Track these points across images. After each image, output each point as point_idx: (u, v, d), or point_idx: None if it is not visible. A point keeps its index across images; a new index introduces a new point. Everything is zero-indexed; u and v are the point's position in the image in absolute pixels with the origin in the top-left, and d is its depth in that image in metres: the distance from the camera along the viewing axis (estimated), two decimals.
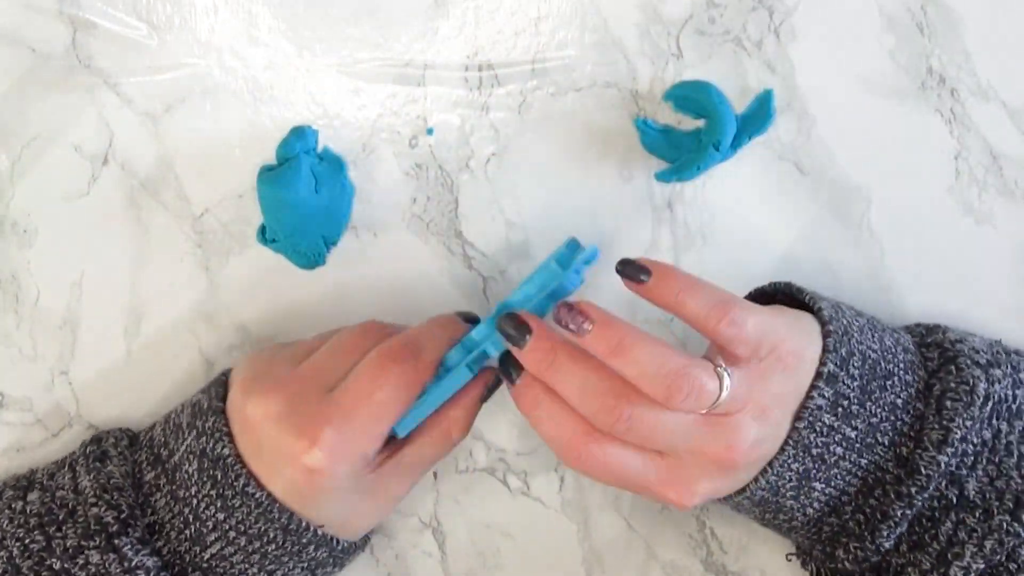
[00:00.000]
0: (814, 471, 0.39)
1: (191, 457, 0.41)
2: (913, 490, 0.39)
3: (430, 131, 0.46)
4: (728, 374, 0.37)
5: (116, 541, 0.40)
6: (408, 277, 0.47)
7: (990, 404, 0.40)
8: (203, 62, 0.45)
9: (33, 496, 0.42)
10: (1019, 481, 0.40)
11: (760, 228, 0.48)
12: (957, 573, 0.39)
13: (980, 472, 0.40)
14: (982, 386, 0.40)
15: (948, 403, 0.40)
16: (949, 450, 0.39)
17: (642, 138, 0.45)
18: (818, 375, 0.39)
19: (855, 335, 0.40)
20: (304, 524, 0.40)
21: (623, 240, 0.47)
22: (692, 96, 0.45)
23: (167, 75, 0.45)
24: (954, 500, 0.40)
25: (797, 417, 0.39)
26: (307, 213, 0.44)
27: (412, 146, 0.47)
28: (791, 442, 0.39)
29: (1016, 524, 0.39)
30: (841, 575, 0.42)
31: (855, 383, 0.40)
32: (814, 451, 0.39)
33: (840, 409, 0.39)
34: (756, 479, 0.39)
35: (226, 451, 0.40)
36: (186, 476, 0.41)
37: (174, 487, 0.41)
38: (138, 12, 0.44)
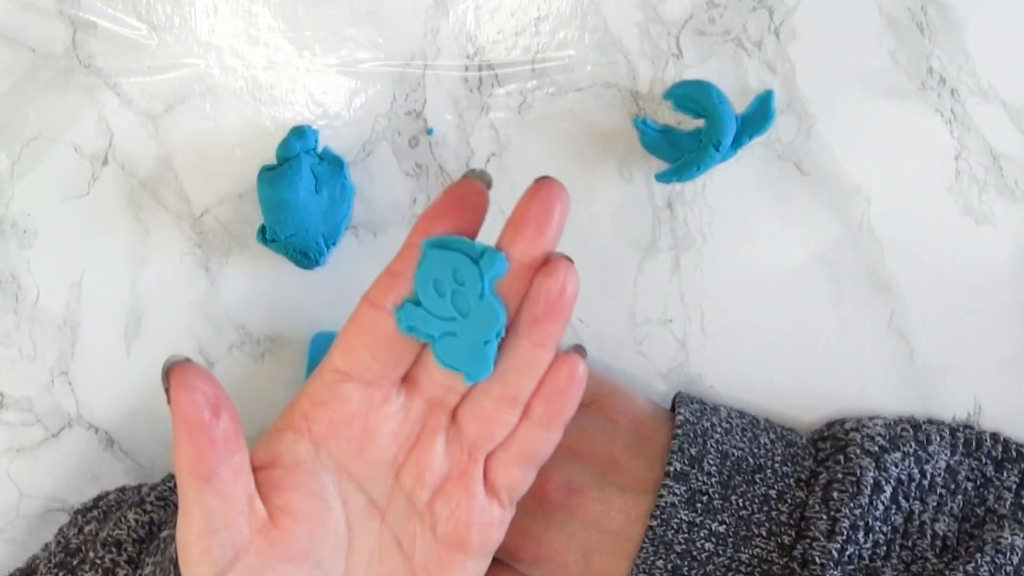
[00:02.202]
0: (686, 569, 0.38)
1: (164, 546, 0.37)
2: None
3: (430, 131, 0.46)
4: None
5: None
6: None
7: (888, 489, 0.39)
8: (203, 62, 0.45)
9: None
10: (934, 562, 0.39)
11: (760, 228, 0.48)
12: None
13: (895, 560, 0.39)
14: (870, 475, 0.39)
15: (835, 493, 0.39)
16: (839, 539, 0.38)
17: (642, 138, 0.45)
18: (665, 475, 0.39)
19: (716, 435, 0.40)
20: None
21: (623, 240, 0.47)
22: (692, 95, 0.45)
23: (167, 75, 0.45)
24: None
25: (650, 516, 0.39)
26: (307, 213, 0.44)
27: (412, 146, 0.47)
28: (647, 540, 0.38)
29: None
30: None
31: (713, 479, 0.39)
32: (677, 548, 0.38)
33: (699, 505, 0.39)
34: None
35: (172, 551, 0.35)
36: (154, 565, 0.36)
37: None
38: (138, 12, 0.44)
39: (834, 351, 0.48)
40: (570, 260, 0.32)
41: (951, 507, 0.40)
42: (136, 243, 0.46)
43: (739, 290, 0.47)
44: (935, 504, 0.40)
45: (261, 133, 0.46)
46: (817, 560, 0.38)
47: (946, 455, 0.41)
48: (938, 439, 0.42)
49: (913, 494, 0.40)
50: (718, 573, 0.38)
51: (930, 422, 0.43)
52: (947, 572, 0.38)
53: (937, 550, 0.39)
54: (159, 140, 0.45)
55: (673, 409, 0.44)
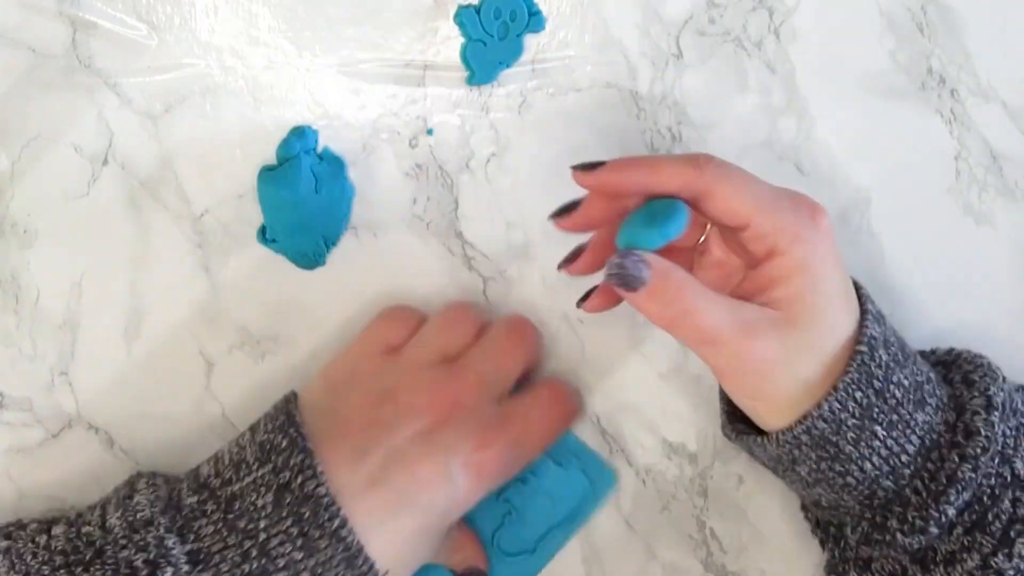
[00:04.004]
0: (876, 410, 0.38)
1: (262, 489, 0.39)
2: (978, 451, 0.38)
3: (430, 131, 0.46)
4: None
5: None
6: (408, 277, 0.47)
7: (1006, 388, 0.41)
8: (203, 62, 0.45)
9: (58, 530, 0.40)
10: None
11: None
12: (1022, 550, 0.38)
13: (1023, 452, 0.40)
14: (995, 369, 0.42)
15: (976, 378, 0.41)
16: (996, 413, 0.39)
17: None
18: (865, 312, 0.40)
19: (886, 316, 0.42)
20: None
21: None
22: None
23: (167, 75, 0.45)
24: (1008, 478, 0.39)
25: (856, 341, 0.39)
26: (307, 213, 0.44)
27: (412, 146, 0.47)
28: (855, 364, 0.38)
29: None
30: (864, 568, 0.42)
31: (894, 337, 0.40)
32: (876, 384, 0.38)
33: (891, 351, 0.39)
34: (819, 403, 0.38)
35: (320, 490, 0.39)
36: (251, 507, 0.39)
37: (230, 516, 0.39)
38: (138, 12, 0.44)
39: None
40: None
41: None
42: (136, 243, 0.46)
43: None
44: None
45: (261, 133, 0.46)
46: (982, 432, 0.39)
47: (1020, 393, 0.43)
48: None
49: (1017, 409, 0.41)
50: (899, 427, 0.39)
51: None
52: None
53: None
54: (159, 140, 0.45)
55: None
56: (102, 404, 0.46)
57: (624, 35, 0.47)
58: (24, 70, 0.44)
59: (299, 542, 0.38)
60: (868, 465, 0.39)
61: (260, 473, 0.40)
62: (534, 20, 0.45)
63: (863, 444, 0.39)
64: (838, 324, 0.39)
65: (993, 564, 0.38)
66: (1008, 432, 0.40)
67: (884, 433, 0.39)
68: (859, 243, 0.48)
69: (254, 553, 0.38)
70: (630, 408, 0.48)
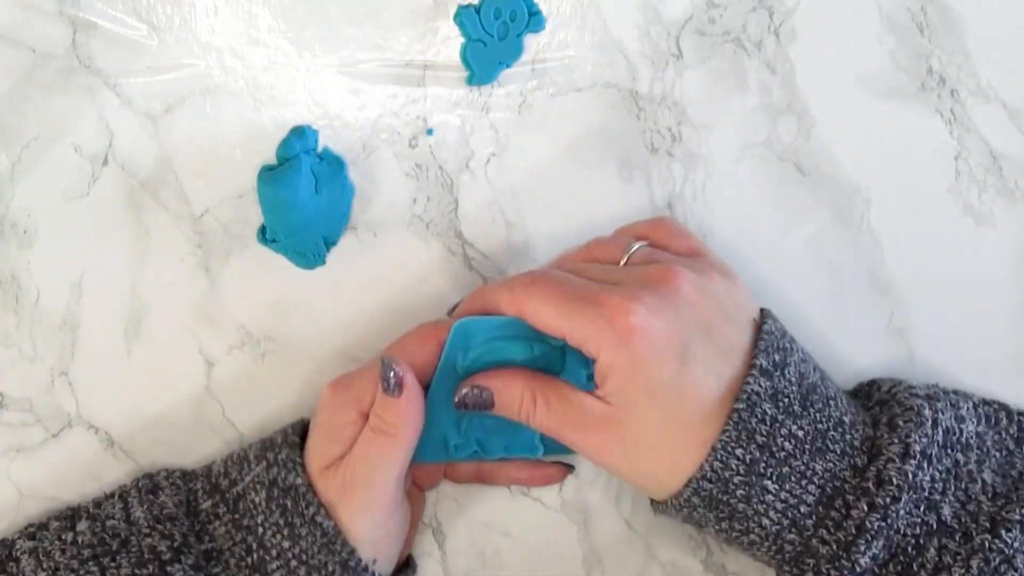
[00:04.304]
0: (763, 464, 0.38)
1: (258, 487, 0.42)
2: (888, 500, 0.38)
3: (430, 131, 0.46)
4: (643, 244, 0.43)
5: (169, 568, 0.41)
6: (408, 277, 0.47)
7: (940, 430, 0.40)
8: (203, 62, 0.45)
9: (83, 526, 0.42)
10: (988, 504, 0.39)
11: (760, 228, 0.48)
12: None
13: (951, 498, 0.39)
14: (927, 411, 0.40)
15: (900, 423, 0.40)
16: (912, 462, 0.38)
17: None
18: (752, 366, 0.39)
19: (795, 357, 0.41)
20: (362, 564, 0.41)
21: None
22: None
23: (167, 75, 0.45)
24: (934, 525, 0.39)
25: (735, 399, 0.39)
26: (307, 213, 0.44)
27: (412, 146, 0.47)
28: (731, 422, 0.38)
29: (998, 541, 0.38)
30: None
31: (793, 388, 0.39)
32: (759, 439, 0.38)
33: (781, 404, 0.39)
34: (701, 465, 0.38)
35: (298, 480, 0.41)
36: (251, 505, 0.42)
37: (237, 515, 0.42)
38: (138, 12, 0.44)
39: (834, 351, 0.48)
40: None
41: (989, 463, 0.41)
42: (136, 243, 0.46)
43: None
44: (976, 458, 0.41)
45: (261, 133, 0.46)
46: (894, 481, 0.38)
47: (973, 422, 0.42)
48: (966, 407, 0.43)
49: (956, 445, 0.40)
50: (791, 479, 0.38)
51: (955, 392, 0.44)
52: (1004, 513, 0.39)
53: (989, 495, 0.40)
54: (159, 140, 0.45)
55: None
56: (102, 404, 0.46)
57: (624, 35, 0.47)
58: (24, 70, 0.44)
59: (286, 531, 0.41)
60: (766, 520, 0.39)
61: (257, 471, 0.42)
62: (534, 20, 0.45)
63: (755, 500, 0.39)
64: (671, 407, 0.39)
65: None
66: (937, 476, 0.39)
67: (776, 487, 0.39)
68: (859, 243, 0.48)
69: (254, 546, 0.41)
70: None
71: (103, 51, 0.45)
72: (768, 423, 0.38)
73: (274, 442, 0.43)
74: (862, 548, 0.38)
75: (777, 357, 0.40)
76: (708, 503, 0.39)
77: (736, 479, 0.38)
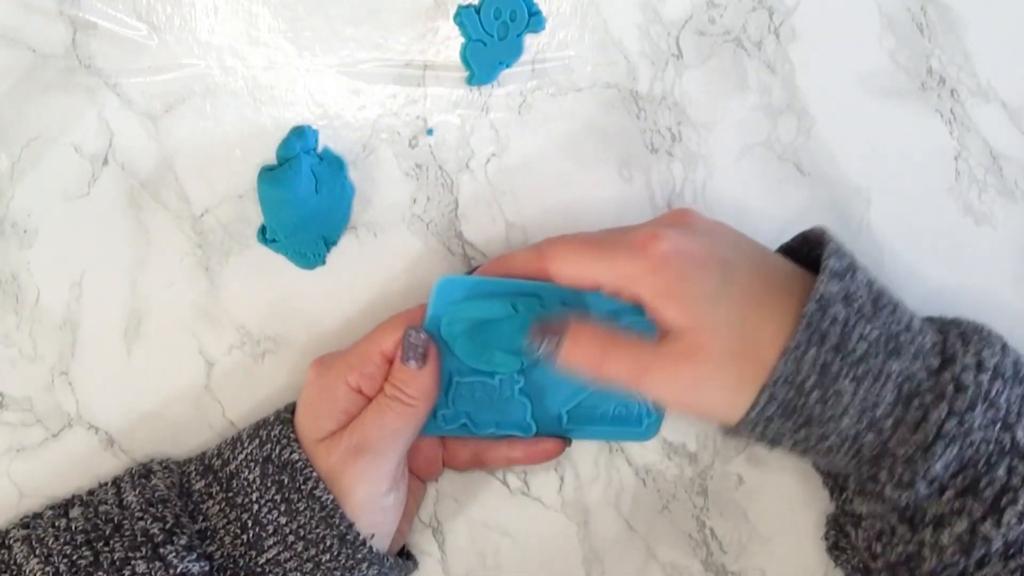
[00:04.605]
0: (836, 366, 0.38)
1: (251, 464, 0.42)
2: (964, 406, 0.37)
3: (430, 131, 0.46)
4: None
5: (161, 550, 0.41)
6: (408, 277, 0.47)
7: (1010, 358, 0.40)
8: (203, 62, 0.45)
9: (76, 512, 0.43)
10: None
11: (760, 228, 0.48)
12: (1011, 520, 0.37)
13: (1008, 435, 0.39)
14: (994, 335, 0.40)
15: (974, 337, 0.40)
16: (986, 374, 0.38)
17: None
18: (823, 268, 0.39)
19: (862, 267, 0.40)
20: (360, 538, 0.41)
21: None
22: None
23: (167, 75, 0.45)
24: (1007, 445, 0.38)
25: (809, 300, 0.38)
26: (307, 213, 0.44)
27: (412, 146, 0.47)
28: (803, 323, 0.37)
29: None
30: (862, 535, 0.41)
31: (863, 291, 0.39)
32: (831, 340, 0.38)
33: (853, 306, 0.38)
34: (773, 369, 0.38)
35: (295, 456, 0.41)
36: (245, 483, 0.42)
37: (230, 494, 0.42)
38: (138, 12, 0.44)
39: None
40: None
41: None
42: (136, 243, 0.46)
43: None
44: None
45: (261, 133, 0.46)
46: (972, 388, 0.38)
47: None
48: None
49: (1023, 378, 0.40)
50: (868, 379, 0.38)
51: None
52: None
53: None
54: (159, 140, 0.45)
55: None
56: (102, 404, 0.46)
57: (624, 35, 0.47)
58: (24, 70, 0.44)
59: (282, 507, 0.41)
60: (844, 422, 0.38)
61: (250, 448, 0.42)
62: (534, 20, 0.45)
63: (832, 403, 0.38)
64: (729, 314, 0.39)
65: (980, 531, 0.38)
66: (1014, 397, 0.39)
67: (852, 387, 0.38)
68: (859, 243, 0.48)
69: (250, 524, 0.41)
70: None
71: (103, 51, 0.45)
72: (841, 324, 0.38)
73: (266, 421, 0.43)
74: (938, 453, 0.38)
75: (846, 262, 0.39)
76: (784, 410, 0.39)
77: (810, 381, 0.38)
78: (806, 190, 0.48)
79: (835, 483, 0.44)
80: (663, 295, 0.38)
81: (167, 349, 0.46)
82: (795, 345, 0.37)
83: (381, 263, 0.47)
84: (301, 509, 0.41)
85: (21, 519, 0.44)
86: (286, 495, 0.41)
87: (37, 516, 0.43)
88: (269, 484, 0.41)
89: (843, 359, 0.38)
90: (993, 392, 0.38)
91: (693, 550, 0.48)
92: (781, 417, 0.39)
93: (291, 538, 0.41)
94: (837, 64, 0.47)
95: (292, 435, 0.42)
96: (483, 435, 0.45)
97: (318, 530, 0.41)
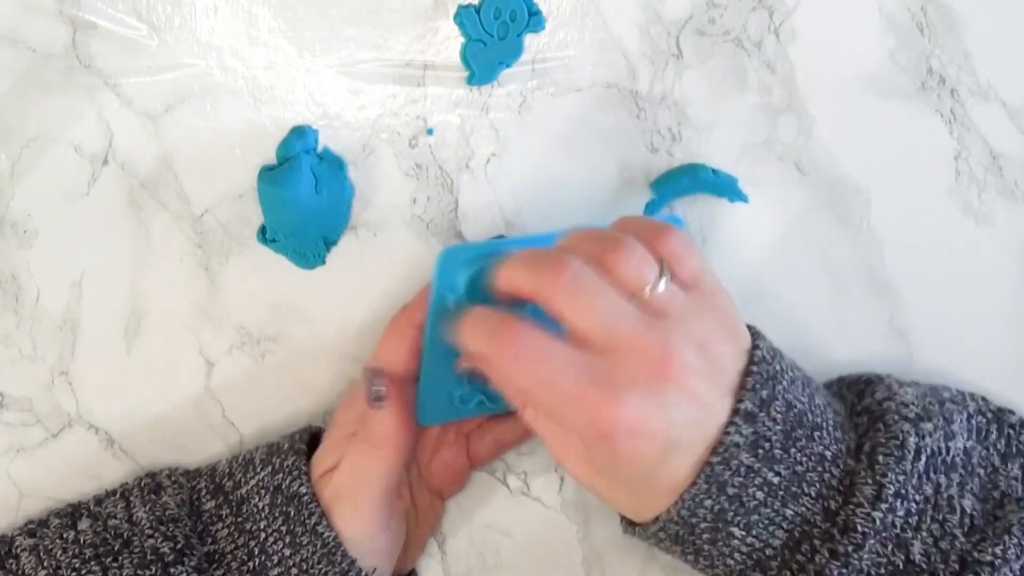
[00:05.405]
0: (732, 514, 0.38)
1: (262, 492, 0.42)
2: (850, 548, 0.37)
3: (430, 131, 0.46)
4: (667, 275, 0.37)
5: (172, 570, 0.40)
6: (408, 277, 0.47)
7: (923, 458, 0.39)
8: (203, 62, 0.45)
9: (84, 525, 0.42)
10: (963, 540, 0.38)
11: (760, 228, 0.48)
12: None
13: (924, 533, 0.38)
14: (912, 440, 0.39)
15: (880, 458, 0.39)
16: (883, 506, 0.37)
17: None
18: (734, 412, 0.37)
19: (783, 383, 0.39)
20: (363, 574, 0.41)
21: None
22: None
23: (167, 75, 0.45)
24: (900, 566, 0.38)
25: (712, 452, 0.37)
26: (307, 213, 0.44)
27: (412, 146, 0.47)
28: (703, 476, 0.37)
29: None
30: None
31: (777, 427, 0.38)
32: (730, 491, 0.37)
33: (760, 451, 0.37)
34: (668, 510, 0.38)
35: (303, 489, 0.41)
36: (255, 510, 0.42)
37: (240, 519, 0.42)
38: (138, 12, 0.44)
39: (834, 351, 0.48)
40: None
41: (971, 486, 0.40)
42: (136, 243, 0.46)
43: (739, 290, 0.47)
44: (958, 481, 0.40)
45: (261, 133, 0.46)
46: (859, 528, 0.37)
47: (963, 437, 0.41)
48: (958, 420, 0.42)
49: (940, 468, 0.39)
50: (759, 526, 0.38)
51: (952, 400, 0.43)
52: (976, 553, 0.38)
53: (965, 528, 0.39)
54: (159, 140, 0.45)
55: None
56: (102, 404, 0.46)
57: (624, 35, 0.47)
58: (24, 70, 0.44)
59: (287, 539, 0.41)
60: (731, 561, 0.39)
61: (262, 475, 0.42)
62: (534, 20, 0.45)
63: (720, 543, 0.38)
64: (645, 482, 0.38)
65: None
66: (913, 509, 0.38)
67: (742, 533, 0.38)
68: (859, 243, 0.48)
69: (256, 551, 0.41)
70: None
71: (103, 51, 0.45)
72: (743, 474, 0.37)
73: (280, 448, 0.43)
74: None
75: (764, 393, 0.38)
76: (674, 539, 0.39)
77: (703, 525, 0.38)
78: (806, 190, 0.48)
79: None
80: (595, 457, 0.37)
81: (167, 349, 0.46)
82: (692, 494, 0.37)
83: (381, 263, 0.47)
84: (304, 543, 0.41)
85: (26, 526, 0.44)
86: (291, 527, 0.41)
87: (43, 524, 0.43)
88: (277, 515, 0.41)
89: (739, 506, 0.38)
90: (888, 519, 0.37)
91: None
92: (671, 542, 0.39)
93: (294, 571, 0.41)
94: (837, 64, 0.47)
95: (303, 467, 0.42)
96: (501, 410, 0.44)
97: (320, 566, 0.41)
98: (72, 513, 0.43)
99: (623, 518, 0.42)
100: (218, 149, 0.45)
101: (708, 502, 0.37)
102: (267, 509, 0.41)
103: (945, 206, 0.48)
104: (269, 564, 0.41)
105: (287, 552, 0.41)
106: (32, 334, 0.46)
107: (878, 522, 0.37)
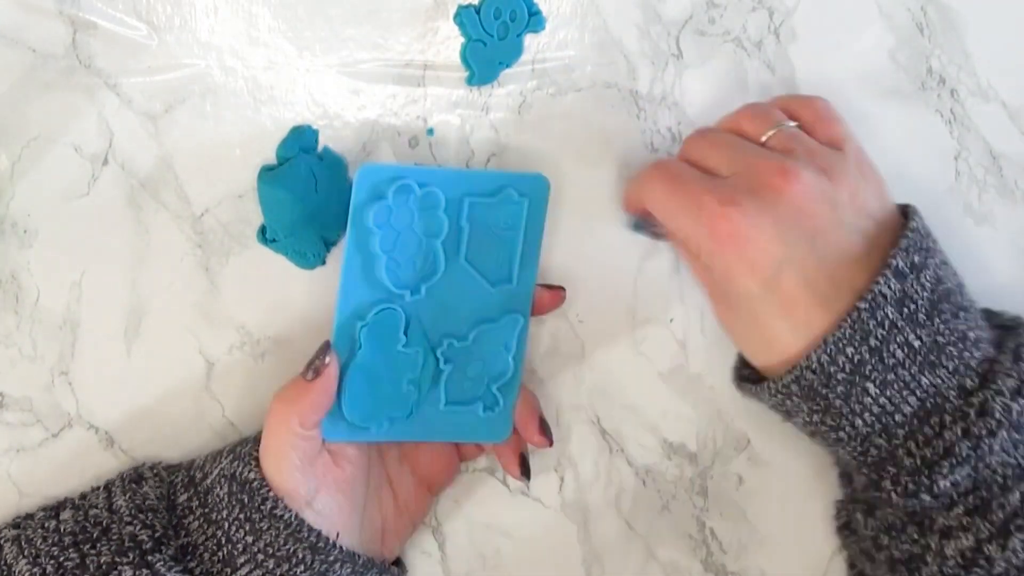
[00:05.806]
0: (869, 367, 0.38)
1: (223, 480, 0.42)
2: (983, 432, 0.37)
3: (430, 131, 0.46)
4: (792, 123, 0.42)
5: (149, 558, 0.40)
6: None
7: None
8: (203, 62, 0.45)
9: (66, 515, 0.43)
10: None
11: None
12: (1016, 546, 0.37)
13: None
14: None
15: None
16: (1022, 400, 0.37)
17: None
18: (886, 266, 0.38)
19: (935, 259, 0.39)
20: (331, 541, 0.41)
21: (624, 239, 0.47)
22: None
23: (167, 75, 0.45)
24: None
25: (859, 297, 0.38)
26: (307, 213, 0.44)
27: (412, 146, 0.47)
28: (849, 320, 0.37)
29: None
30: (870, 519, 0.41)
31: (925, 294, 0.38)
32: (872, 341, 0.37)
33: (906, 310, 0.38)
34: (808, 355, 0.38)
35: (251, 475, 0.41)
36: (217, 499, 0.42)
37: (206, 510, 0.42)
38: (138, 12, 0.44)
39: None
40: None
41: None
42: (136, 243, 0.46)
43: None
44: None
45: (261, 133, 0.46)
46: (996, 415, 0.37)
47: None
48: None
49: None
50: (894, 387, 0.38)
51: None
52: None
53: None
54: (159, 140, 0.45)
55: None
56: (102, 404, 0.46)
57: (624, 35, 0.47)
58: (24, 70, 0.44)
59: (247, 527, 0.40)
60: (859, 421, 0.39)
61: (224, 463, 0.42)
62: (534, 20, 0.45)
63: (853, 400, 0.38)
64: (765, 311, 0.40)
65: (986, 551, 0.37)
66: None
67: (877, 391, 0.38)
68: None
69: (223, 541, 0.41)
70: (630, 408, 0.48)
71: (103, 51, 0.45)
72: (887, 327, 0.37)
73: (248, 438, 0.43)
74: (944, 471, 0.37)
75: (917, 258, 0.38)
76: (806, 393, 0.39)
77: (840, 375, 0.38)
78: None
79: (845, 472, 0.44)
80: (713, 269, 0.40)
81: (167, 349, 0.46)
82: (836, 339, 0.38)
83: None
84: (265, 528, 0.40)
85: (13, 519, 0.44)
86: (248, 514, 0.40)
87: (28, 517, 0.44)
88: (234, 502, 0.41)
89: (878, 361, 0.38)
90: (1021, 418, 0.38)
91: (693, 550, 0.48)
92: (800, 398, 0.39)
93: (260, 556, 0.40)
94: (837, 64, 0.47)
95: (256, 452, 0.41)
96: (410, 439, 0.45)
97: (287, 547, 0.40)
98: (57, 506, 0.44)
99: (748, 377, 0.43)
100: (218, 149, 0.46)
101: (849, 350, 0.38)
102: (226, 498, 0.41)
103: (945, 206, 0.48)
104: (235, 552, 0.41)
105: (249, 539, 0.40)
106: (32, 334, 0.46)
107: (1015, 414, 0.37)
